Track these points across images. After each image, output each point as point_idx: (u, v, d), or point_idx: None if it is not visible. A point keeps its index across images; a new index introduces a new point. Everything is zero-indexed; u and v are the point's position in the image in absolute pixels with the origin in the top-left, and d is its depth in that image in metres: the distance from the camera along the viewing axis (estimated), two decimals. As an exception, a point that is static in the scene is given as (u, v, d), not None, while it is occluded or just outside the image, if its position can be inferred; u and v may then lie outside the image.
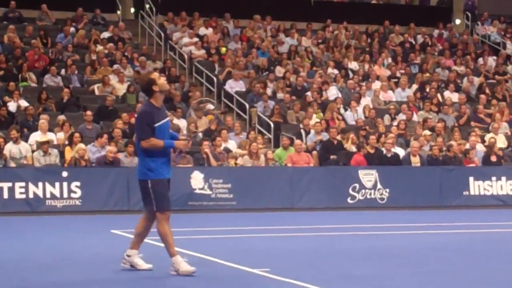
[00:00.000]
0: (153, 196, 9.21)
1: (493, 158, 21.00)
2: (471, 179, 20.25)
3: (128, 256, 9.50)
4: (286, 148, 19.93)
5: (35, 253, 11.87)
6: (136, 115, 9.83)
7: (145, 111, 9.37)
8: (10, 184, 17.38)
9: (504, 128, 22.96)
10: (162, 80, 9.48)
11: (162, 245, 9.49)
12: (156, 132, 9.17)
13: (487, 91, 25.73)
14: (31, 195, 17.45)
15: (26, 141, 18.66)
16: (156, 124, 9.18)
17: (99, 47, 24.71)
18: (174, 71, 24.52)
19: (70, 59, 23.51)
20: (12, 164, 18.03)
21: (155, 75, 9.57)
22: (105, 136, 18.82)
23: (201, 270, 9.32)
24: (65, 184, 17.69)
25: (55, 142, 18.92)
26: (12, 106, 20.61)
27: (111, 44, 25.07)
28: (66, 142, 18.80)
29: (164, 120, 9.31)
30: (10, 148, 18.16)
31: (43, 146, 18.27)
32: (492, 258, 11.91)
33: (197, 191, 18.10)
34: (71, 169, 17.97)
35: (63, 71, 23.06)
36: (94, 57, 23.97)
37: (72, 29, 25.59)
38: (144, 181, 9.24)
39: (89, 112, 20.29)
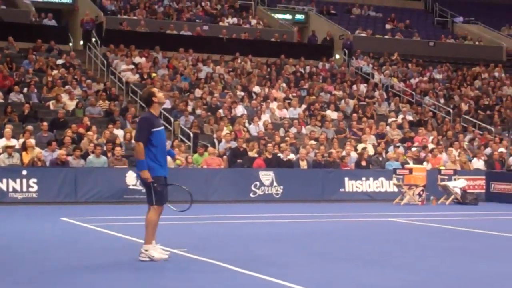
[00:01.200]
0: (153, 191, 8.94)
1: (363, 163, 21.39)
2: (346, 179, 20.51)
3: (146, 250, 8.96)
4: (201, 154, 19.93)
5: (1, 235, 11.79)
6: (138, 120, 9.45)
7: (146, 117, 9.10)
8: (-20, 180, 17.10)
9: (372, 139, 23.35)
10: (160, 94, 9.21)
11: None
12: (153, 136, 8.90)
13: (359, 110, 26.08)
14: (-4, 189, 17.22)
15: (-7, 145, 18.41)
16: (154, 129, 8.90)
17: (54, 71, 24.37)
18: (114, 91, 24.37)
19: (31, 80, 23.25)
20: (-19, 164, 17.77)
21: (155, 89, 9.32)
22: (54, 143, 18.66)
23: (134, 251, 9.33)
24: (24, 180, 17.44)
25: (17, 147, 18.65)
26: (-19, 118, 20.29)
27: (63, 69, 24.75)
28: (23, 148, 18.52)
29: (160, 128, 9.02)
30: (-22, 151, 17.92)
31: (8, 150, 18.05)
32: (359, 240, 12.25)
33: (131, 187, 17.94)
34: (29, 169, 17.71)
35: (25, 90, 22.71)
36: (50, 79, 23.60)
37: (33, 57, 25.25)
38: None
39: (45, 123, 20.02)
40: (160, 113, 23.01)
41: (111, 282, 7.79)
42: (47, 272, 8.36)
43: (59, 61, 25.55)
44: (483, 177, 21.52)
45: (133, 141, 20.19)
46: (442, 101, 29.17)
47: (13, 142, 18.66)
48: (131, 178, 17.91)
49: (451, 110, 28.15)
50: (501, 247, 11.50)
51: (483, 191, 21.09)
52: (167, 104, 23.39)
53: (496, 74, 33.58)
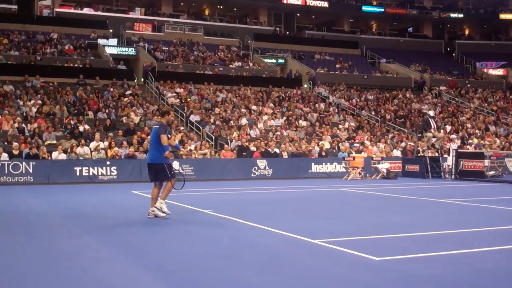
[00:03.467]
0: (168, 171, 8.93)
1: (323, 153, 21.47)
2: (312, 164, 20.54)
3: (152, 211, 8.98)
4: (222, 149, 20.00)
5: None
6: (157, 125, 9.16)
7: (162, 123, 9.16)
8: (80, 168, 17.20)
9: (328, 138, 23.41)
10: (171, 116, 9.33)
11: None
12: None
13: (320, 120, 26.15)
14: (90, 174, 17.25)
15: (88, 146, 18.43)
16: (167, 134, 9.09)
17: (125, 99, 24.43)
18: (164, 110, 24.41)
19: (111, 104, 23.32)
20: (80, 158, 17.81)
21: (171, 112, 9.38)
22: (125, 143, 18.69)
23: (182, 213, 9.39)
24: (108, 168, 17.51)
25: (102, 147, 18.72)
26: (81, 128, 20.30)
27: (131, 97, 24.78)
28: (107, 147, 18.65)
29: (168, 134, 9.19)
30: (79, 150, 17.92)
31: (96, 148, 18.14)
32: (322, 202, 12.31)
33: (176, 171, 17.89)
34: (111, 160, 17.76)
35: (107, 110, 22.74)
36: (123, 103, 23.66)
37: (111, 89, 25.24)
38: (161, 163, 8.91)
39: (120, 132, 20.09)
40: (193, 123, 23.42)
41: (156, 231, 7.85)
42: (122, 224, 8.44)
43: (128, 92, 25.58)
44: (400, 161, 21.59)
45: (176, 141, 20.33)
46: (373, 113, 29.26)
47: (100, 143, 18.75)
48: (175, 165, 17.94)
49: (379, 119, 28.24)
50: (409, 205, 11.60)
51: (400, 170, 21.16)
52: (197, 118, 23.52)
53: (408, 95, 33.63)
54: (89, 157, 18.00)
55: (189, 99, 25.98)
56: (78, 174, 17.09)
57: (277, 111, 26.60)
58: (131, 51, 32.92)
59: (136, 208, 10.69)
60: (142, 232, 7.73)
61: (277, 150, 20.80)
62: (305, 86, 33.37)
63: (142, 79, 29.40)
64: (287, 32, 44.87)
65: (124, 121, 22.28)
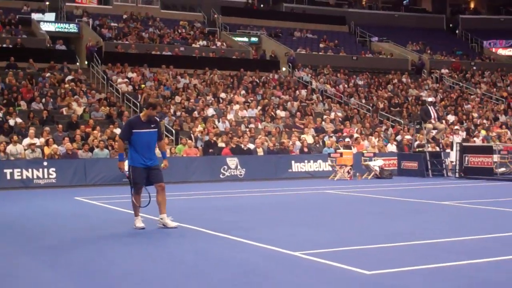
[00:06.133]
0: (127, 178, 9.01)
1: (305, 150, 21.59)
2: (293, 162, 20.65)
3: (161, 219, 8.96)
4: (184, 144, 19.96)
5: (29, 210, 11.70)
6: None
7: (130, 120, 9.09)
8: (11, 170, 16.92)
9: (311, 132, 23.57)
10: (154, 112, 8.90)
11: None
12: (133, 135, 8.77)
13: (301, 110, 26.29)
14: (24, 177, 17.01)
15: (20, 143, 18.17)
16: (134, 130, 8.77)
17: (66, 85, 24.16)
18: (112, 99, 24.19)
19: (48, 92, 22.99)
20: (11, 158, 17.56)
21: (158, 105, 9.08)
22: (66, 139, 18.55)
23: (130, 221, 9.30)
24: (45, 169, 17.31)
25: (38, 144, 18.47)
26: (11, 122, 19.99)
27: (73, 83, 24.52)
28: (44, 144, 18.44)
29: (143, 130, 8.76)
30: (10, 148, 17.67)
31: (31, 146, 17.89)
32: (304, 207, 12.38)
33: (127, 173, 17.82)
34: (49, 160, 17.57)
35: (43, 100, 22.44)
36: (62, 91, 23.42)
37: (48, 74, 24.97)
38: (158, 165, 8.95)
39: (60, 126, 19.88)
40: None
41: (105, 247, 7.79)
42: (64, 239, 8.36)
43: (69, 77, 25.28)
44: (396, 157, 21.82)
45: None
46: (363, 101, 29.53)
47: (35, 140, 18.48)
48: (126, 166, 17.78)
49: (370, 108, 28.52)
50: (407, 209, 11.74)
51: (396, 168, 21.37)
52: (154, 108, 23.29)
53: (404, 80, 34.07)
54: (22, 156, 17.72)
55: (143, 86, 25.80)
56: (8, 177, 16.83)
57: (250, 99, 26.61)
58: (72, 27, 32.49)
59: (81, 218, 10.57)
60: (89, 248, 7.64)
61: (251, 146, 20.80)
62: (283, 69, 33.49)
63: (86, 62, 29.07)
64: (261, 5, 44.90)
65: (65, 112, 22.01)
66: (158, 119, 9.43)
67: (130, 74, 26.96)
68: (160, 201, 9.01)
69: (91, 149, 18.57)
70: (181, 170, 18.74)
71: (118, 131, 20.42)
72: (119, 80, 26.03)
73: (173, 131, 21.63)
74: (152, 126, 8.93)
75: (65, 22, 32.97)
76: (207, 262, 6.68)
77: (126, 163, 9.25)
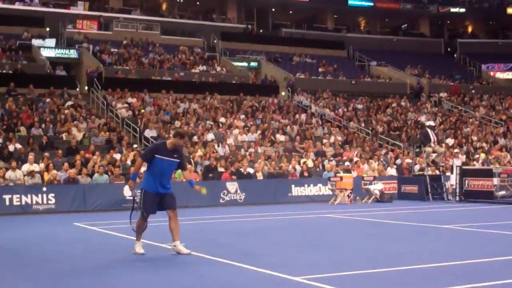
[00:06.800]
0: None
1: (306, 173, 21.56)
2: (293, 186, 20.59)
3: (174, 246, 8.83)
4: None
5: (31, 236, 11.66)
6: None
7: (157, 144, 9.06)
8: (10, 196, 16.86)
9: (312, 156, 23.57)
10: (182, 141, 8.88)
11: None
12: (155, 159, 8.67)
13: (301, 134, 26.30)
14: (23, 203, 16.94)
15: (20, 169, 18.13)
16: (157, 156, 8.66)
17: (66, 111, 24.20)
18: (112, 125, 24.17)
19: (48, 118, 23.00)
20: (11, 184, 17.53)
21: (185, 136, 9.01)
22: (66, 164, 18.52)
23: (130, 246, 9.26)
24: (44, 195, 17.23)
25: (37, 169, 18.45)
26: (11, 147, 20.00)
27: (72, 109, 24.54)
28: (44, 169, 18.40)
29: (166, 157, 8.66)
30: (9, 174, 17.65)
31: (30, 172, 17.88)
32: (304, 231, 12.33)
33: (127, 197, 17.66)
34: (48, 186, 17.52)
35: (43, 125, 22.45)
36: (62, 116, 23.44)
37: (48, 100, 25.05)
38: (172, 193, 8.97)
39: (59, 152, 19.84)
40: (148, 139, 23.27)
41: (105, 273, 7.73)
42: (64, 265, 8.30)
43: (69, 103, 25.34)
44: (395, 181, 21.82)
45: (128, 161, 20.18)
46: (363, 125, 29.58)
47: (35, 166, 18.44)
48: (127, 191, 17.74)
49: (370, 131, 28.55)
50: (408, 232, 11.71)
51: (396, 191, 21.34)
52: (154, 133, 23.37)
53: (403, 103, 34.18)
54: (22, 182, 17.67)
55: (143, 111, 25.85)
56: (7, 203, 16.74)
57: (249, 123, 26.65)
58: (72, 53, 32.67)
59: (80, 244, 10.52)
60: (89, 275, 7.60)
61: (251, 170, 20.78)
62: (283, 94, 33.59)
63: (86, 88, 29.15)
64: (261, 30, 45.25)
65: (64, 138, 22.00)
66: (181, 149, 9.24)
67: (130, 100, 27.03)
68: (173, 228, 8.87)
69: (90, 175, 18.53)
70: (181, 194, 18.48)
71: (118, 156, 20.47)
72: (119, 105, 26.09)
73: (173, 156, 21.54)
74: (175, 156, 8.81)
75: (65, 48, 33.17)
76: (206, 287, 6.61)
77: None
